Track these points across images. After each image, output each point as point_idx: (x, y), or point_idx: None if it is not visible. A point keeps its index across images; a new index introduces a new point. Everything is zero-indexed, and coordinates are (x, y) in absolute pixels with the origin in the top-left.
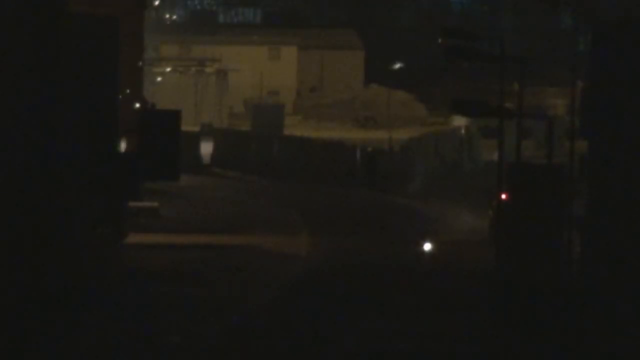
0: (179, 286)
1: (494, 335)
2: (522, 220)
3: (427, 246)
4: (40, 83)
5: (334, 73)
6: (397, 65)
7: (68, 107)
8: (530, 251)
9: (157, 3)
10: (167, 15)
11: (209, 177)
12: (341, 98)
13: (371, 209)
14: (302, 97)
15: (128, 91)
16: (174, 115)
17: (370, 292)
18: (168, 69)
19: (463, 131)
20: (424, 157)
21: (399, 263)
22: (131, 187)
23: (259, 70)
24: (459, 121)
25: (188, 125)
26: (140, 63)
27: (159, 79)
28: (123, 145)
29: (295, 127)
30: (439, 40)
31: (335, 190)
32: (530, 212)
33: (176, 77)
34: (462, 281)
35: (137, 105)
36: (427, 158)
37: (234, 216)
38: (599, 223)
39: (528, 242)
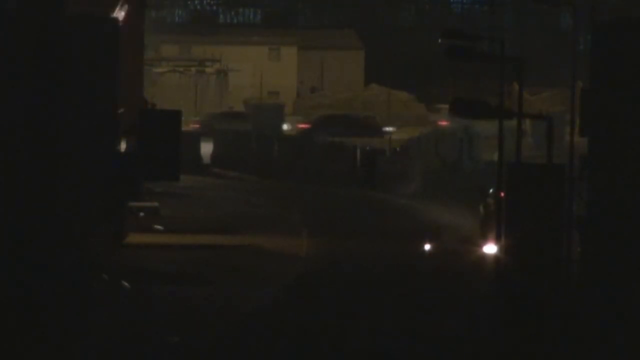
0: (179, 286)
1: (494, 334)
2: (521, 219)
3: (427, 246)
4: (39, 83)
5: (334, 73)
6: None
7: (67, 107)
8: (529, 251)
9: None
10: (167, 16)
11: (209, 177)
12: (341, 98)
13: (371, 209)
14: (302, 97)
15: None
16: (174, 115)
17: (370, 292)
18: (168, 70)
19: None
20: (424, 157)
21: (399, 263)
22: (131, 187)
23: (259, 70)
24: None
25: (188, 125)
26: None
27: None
28: (123, 145)
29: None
30: (439, 41)
31: (335, 190)
32: (529, 211)
33: (176, 77)
34: (462, 281)
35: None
36: (427, 158)
37: (234, 216)
38: (599, 223)
39: (527, 242)
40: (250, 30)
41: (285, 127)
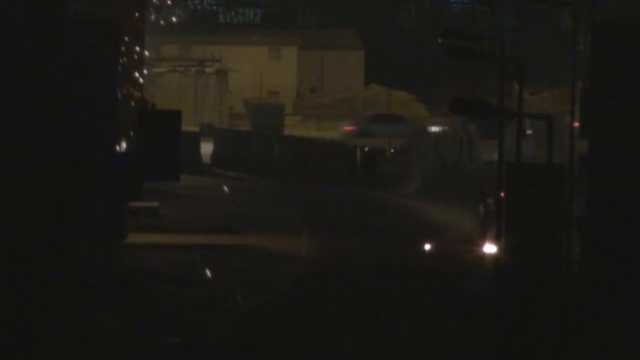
0: (179, 286)
1: (493, 334)
2: (521, 220)
3: (427, 246)
4: (39, 83)
5: (334, 73)
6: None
7: (67, 107)
8: (529, 251)
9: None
10: (167, 16)
11: (209, 177)
12: (341, 98)
13: (371, 209)
14: (302, 97)
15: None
16: (174, 115)
17: (370, 292)
18: (168, 70)
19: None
20: (424, 157)
21: (398, 263)
22: (131, 187)
23: (259, 70)
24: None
25: (188, 125)
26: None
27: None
28: (123, 145)
29: (295, 127)
30: (439, 41)
31: (335, 190)
32: (529, 211)
33: (176, 77)
34: (461, 281)
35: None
36: (427, 158)
37: (234, 216)
38: (599, 223)
39: (527, 242)
40: (250, 30)
41: (434, 129)
